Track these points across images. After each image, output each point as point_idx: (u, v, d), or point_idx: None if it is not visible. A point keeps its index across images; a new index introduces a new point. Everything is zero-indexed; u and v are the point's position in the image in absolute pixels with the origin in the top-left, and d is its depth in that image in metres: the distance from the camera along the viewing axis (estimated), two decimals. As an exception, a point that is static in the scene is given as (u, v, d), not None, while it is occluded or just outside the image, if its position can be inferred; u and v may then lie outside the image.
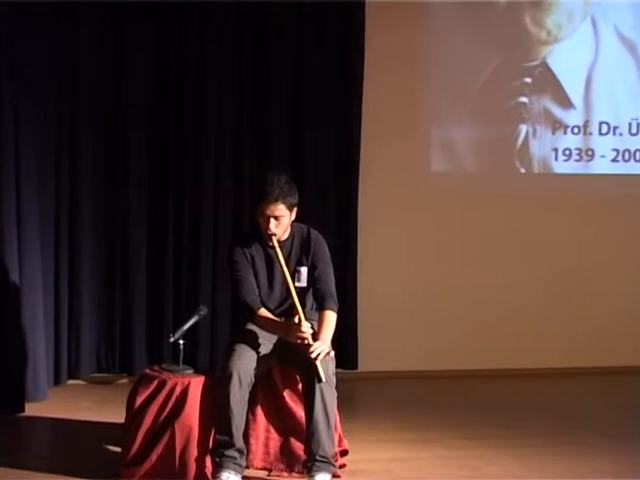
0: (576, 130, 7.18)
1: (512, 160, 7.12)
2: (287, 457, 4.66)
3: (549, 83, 7.11)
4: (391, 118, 6.84)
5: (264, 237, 4.57)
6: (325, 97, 6.63)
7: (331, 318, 4.53)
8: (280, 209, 4.49)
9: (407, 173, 6.93)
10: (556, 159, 7.18)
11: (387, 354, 6.80)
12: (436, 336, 6.91)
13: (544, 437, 5.41)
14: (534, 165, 7.17)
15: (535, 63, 7.08)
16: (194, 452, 4.49)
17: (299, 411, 4.60)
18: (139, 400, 4.57)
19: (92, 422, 5.46)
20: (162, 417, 4.52)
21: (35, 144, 5.86)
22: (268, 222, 4.50)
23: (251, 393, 4.47)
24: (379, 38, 6.70)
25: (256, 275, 4.63)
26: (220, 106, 6.43)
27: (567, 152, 7.18)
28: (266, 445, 4.68)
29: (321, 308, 4.57)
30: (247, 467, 4.57)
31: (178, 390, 4.52)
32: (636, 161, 7.27)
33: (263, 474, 4.66)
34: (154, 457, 4.49)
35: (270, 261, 4.62)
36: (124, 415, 4.70)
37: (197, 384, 4.55)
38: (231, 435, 4.40)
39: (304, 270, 4.62)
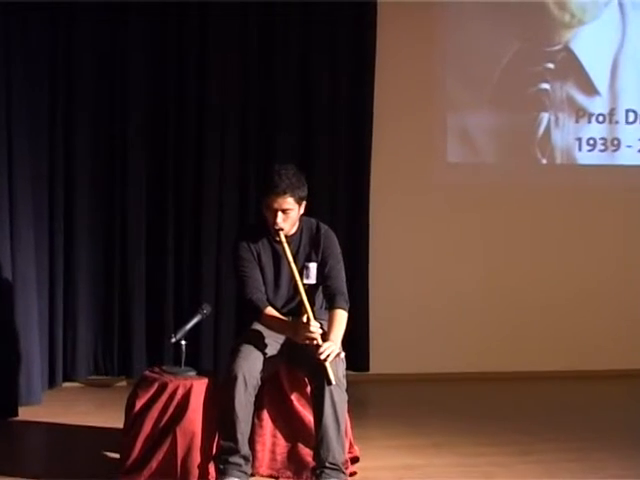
0: (601, 118, 7.18)
1: (533, 150, 7.12)
2: (295, 464, 4.67)
3: (572, 69, 7.11)
4: (405, 106, 6.86)
5: (271, 232, 4.58)
6: (336, 85, 6.65)
7: (341, 317, 4.53)
8: (288, 202, 4.50)
9: (421, 164, 6.94)
10: (580, 149, 7.18)
11: (400, 355, 6.82)
12: (451, 337, 6.92)
13: (564, 442, 5.40)
14: (556, 156, 7.17)
15: (558, 47, 7.08)
16: (197, 459, 4.50)
17: (307, 415, 4.61)
18: (139, 404, 4.58)
19: (89, 427, 5.47)
20: (163, 422, 4.53)
21: (28, 135, 5.89)
22: (275, 216, 4.50)
23: (257, 396, 4.48)
24: (393, 20, 6.70)
25: (262, 272, 4.63)
26: (223, 103, 6.48)
27: (591, 142, 7.18)
28: (273, 451, 4.68)
29: (331, 307, 4.57)
30: (253, 474, 4.58)
31: (180, 393, 4.54)
32: (665, 151, 7.28)
33: (269, 482, 4.70)
34: (154, 464, 4.50)
35: (277, 257, 4.63)
36: (123, 420, 4.72)
37: (200, 387, 4.56)
38: (236, 441, 4.41)
39: (313, 266, 4.63)
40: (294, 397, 4.68)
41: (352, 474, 4.69)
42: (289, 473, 4.67)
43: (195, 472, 4.49)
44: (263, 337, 4.57)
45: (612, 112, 7.19)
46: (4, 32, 5.68)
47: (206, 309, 4.89)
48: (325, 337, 4.39)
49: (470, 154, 7.07)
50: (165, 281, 6.41)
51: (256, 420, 4.60)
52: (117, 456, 4.77)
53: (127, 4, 6.25)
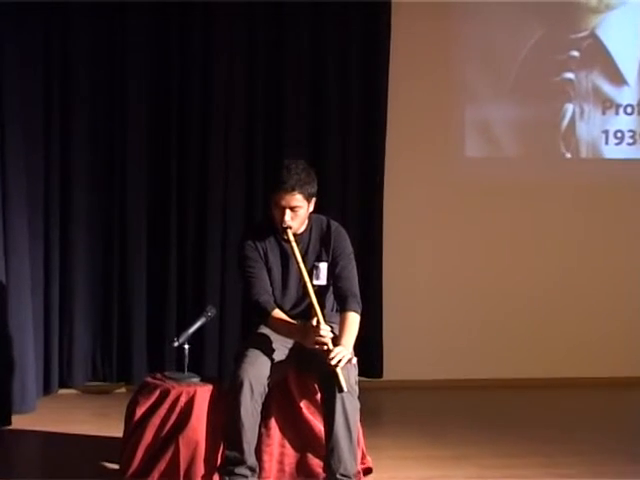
0: (629, 110, 7.17)
1: (556, 144, 7.11)
2: (304, 475, 4.68)
3: (599, 57, 7.09)
4: (420, 97, 6.85)
5: (279, 230, 4.59)
6: (349, 76, 6.66)
7: (353, 321, 4.53)
8: (297, 199, 4.50)
9: (438, 159, 6.94)
10: (606, 142, 7.17)
11: (415, 361, 6.82)
12: (470, 342, 6.91)
13: (589, 454, 5.37)
14: (581, 149, 7.16)
15: (583, 34, 7.07)
16: (200, 470, 4.52)
17: (317, 424, 4.61)
18: (139, 412, 4.60)
19: (86, 436, 5.48)
20: (165, 431, 4.55)
21: (22, 123, 5.90)
22: (283, 213, 4.51)
23: (264, 404, 4.49)
24: (409, 8, 6.70)
25: (269, 272, 4.64)
26: (228, 101, 6.51)
27: (619, 135, 7.17)
28: (281, 462, 4.69)
29: (342, 309, 4.58)
30: (259, 486, 4.60)
31: (183, 400, 4.56)
32: (697, 145, 7.27)
33: (277, 494, 4.70)
34: (156, 475, 4.52)
35: (285, 257, 4.63)
36: (122, 428, 4.74)
37: (204, 394, 4.58)
38: (242, 451, 4.42)
39: (323, 266, 4.63)
40: (303, 405, 4.69)
41: (364, 486, 4.72)
42: (298, 485, 4.70)
43: (198, 484, 4.51)
44: (270, 341, 4.57)
45: (641, 103, 7.19)
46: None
47: (210, 311, 4.91)
48: (336, 341, 4.39)
49: (490, 148, 7.07)
50: (167, 281, 6.42)
51: (263, 429, 4.61)
52: (116, 467, 4.78)
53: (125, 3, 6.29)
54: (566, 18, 7.05)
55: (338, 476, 4.40)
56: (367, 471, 4.81)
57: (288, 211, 4.51)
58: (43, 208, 6.17)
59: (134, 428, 4.60)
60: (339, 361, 4.29)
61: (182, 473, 4.50)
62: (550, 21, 7.00)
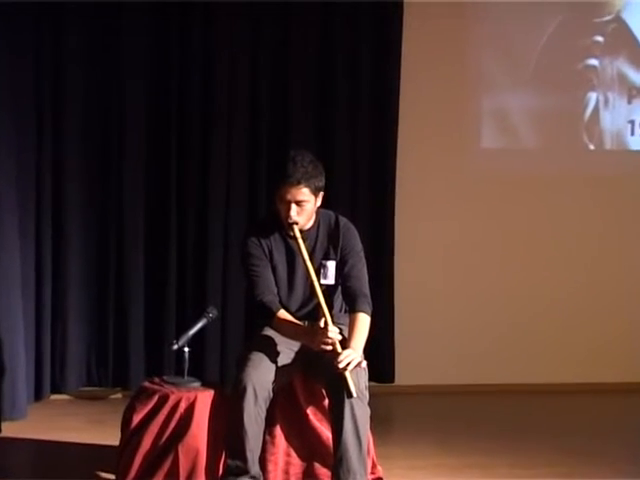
0: (657, 99, 7.18)
1: (579, 135, 7.12)
2: (311, 486, 4.70)
3: (624, 42, 7.10)
4: (434, 88, 6.86)
5: (284, 226, 4.59)
6: (358, 74, 6.69)
7: (363, 322, 4.53)
8: (303, 193, 4.50)
9: (453, 150, 6.95)
10: (632, 133, 7.18)
11: (428, 365, 6.83)
12: (485, 346, 6.92)
13: (610, 464, 5.35)
14: (605, 140, 7.16)
15: (608, 18, 7.07)
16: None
17: (325, 431, 4.62)
18: (136, 418, 4.61)
19: (80, 444, 5.49)
20: (163, 438, 4.55)
21: (13, 116, 5.92)
22: (289, 208, 4.51)
23: (269, 410, 4.49)
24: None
25: (274, 271, 4.65)
26: (230, 99, 6.55)
27: (645, 125, 7.18)
28: (286, 472, 4.69)
29: (352, 310, 4.58)
30: (263, 497, 4.61)
31: (182, 406, 4.56)
32: None
33: (282, 506, 4.71)
34: (154, 485, 4.54)
35: (291, 254, 4.64)
36: (118, 436, 4.74)
37: (205, 399, 4.59)
38: (245, 460, 4.42)
39: (331, 265, 4.64)
40: (310, 411, 4.69)
41: (375, 497, 4.72)
42: (304, 496, 4.71)
43: (199, 494, 4.53)
44: (275, 344, 4.57)
45: (669, 91, 7.19)
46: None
47: (212, 312, 4.92)
48: (345, 344, 4.39)
49: (507, 139, 7.07)
50: (166, 281, 6.43)
51: (267, 437, 4.61)
52: (112, 477, 4.79)
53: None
54: (589, 1, 7.04)
55: (347, 487, 4.41)
56: (377, 481, 4.83)
57: (294, 206, 4.50)
58: (34, 204, 6.18)
59: (131, 436, 4.61)
60: (348, 364, 4.28)
61: (182, 483, 4.51)
62: (572, 4, 6.99)
